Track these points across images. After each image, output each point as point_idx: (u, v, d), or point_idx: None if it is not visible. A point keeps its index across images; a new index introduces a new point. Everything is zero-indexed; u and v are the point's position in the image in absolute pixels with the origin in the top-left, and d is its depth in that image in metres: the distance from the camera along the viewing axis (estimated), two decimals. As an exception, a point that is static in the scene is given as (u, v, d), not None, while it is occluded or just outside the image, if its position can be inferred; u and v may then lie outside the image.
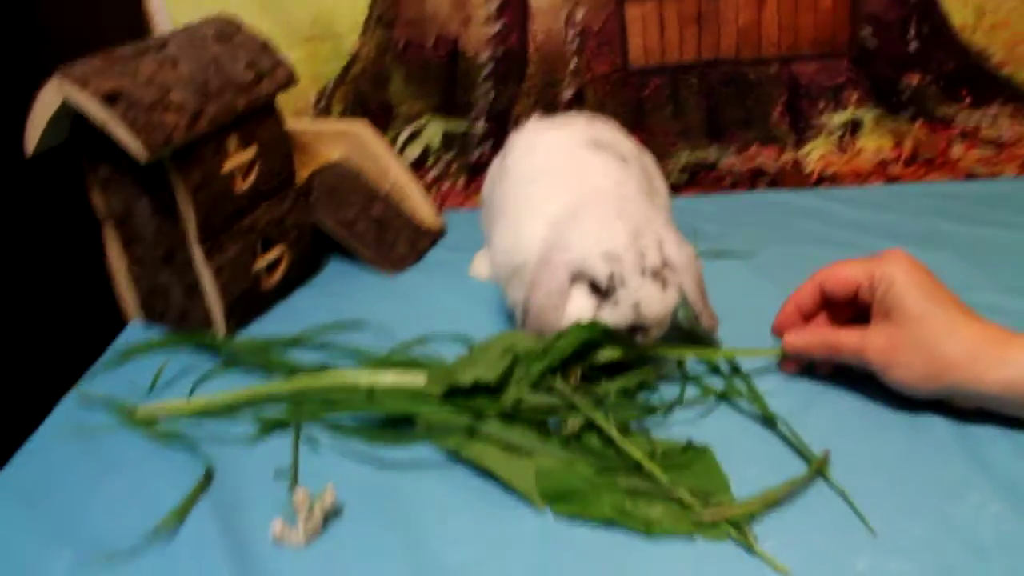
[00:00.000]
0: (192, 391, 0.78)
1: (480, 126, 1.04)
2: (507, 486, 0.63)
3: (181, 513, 0.64)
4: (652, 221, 0.72)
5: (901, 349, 0.65)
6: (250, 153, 0.85)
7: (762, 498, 0.59)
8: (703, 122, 1.00)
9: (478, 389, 0.68)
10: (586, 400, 0.66)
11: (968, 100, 0.97)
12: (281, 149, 0.89)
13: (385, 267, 0.95)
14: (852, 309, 0.71)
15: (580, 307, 0.71)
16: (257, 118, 0.86)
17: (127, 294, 0.90)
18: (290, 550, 0.61)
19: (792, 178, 1.03)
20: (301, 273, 0.95)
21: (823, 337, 0.70)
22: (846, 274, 0.69)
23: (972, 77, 0.95)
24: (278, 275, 0.91)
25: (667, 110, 1.00)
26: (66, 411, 0.79)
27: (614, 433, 0.64)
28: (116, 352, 0.85)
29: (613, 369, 0.70)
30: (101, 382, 0.82)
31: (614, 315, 0.70)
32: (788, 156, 1.02)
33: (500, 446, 0.65)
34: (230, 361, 0.81)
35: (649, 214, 0.72)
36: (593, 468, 0.62)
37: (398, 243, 0.96)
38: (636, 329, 0.70)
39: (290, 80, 0.88)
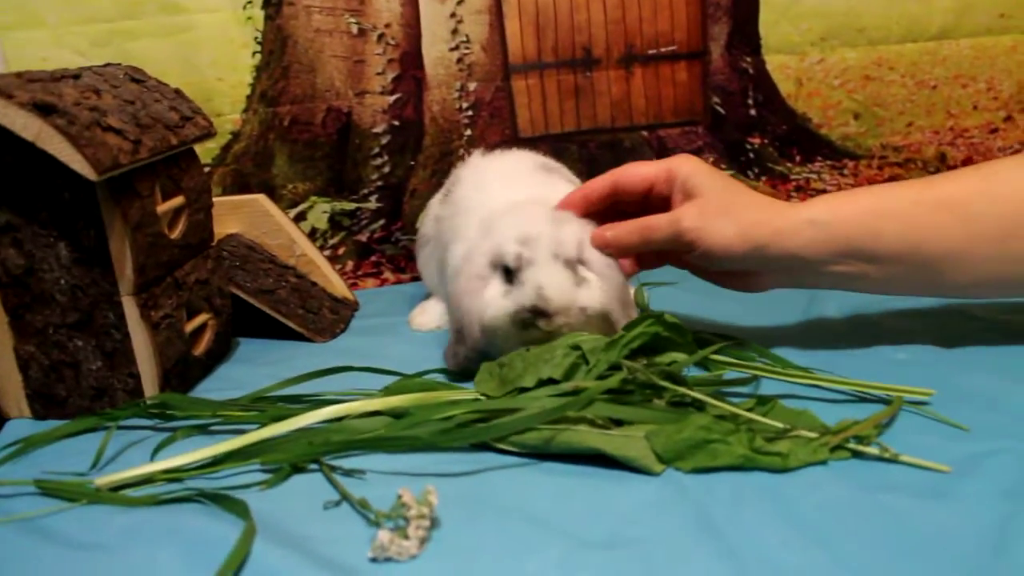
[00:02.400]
0: (154, 455, 0.63)
1: (372, 203, 1.01)
2: (613, 460, 0.58)
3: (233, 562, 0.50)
4: (584, 227, 0.73)
5: (712, 214, 0.70)
6: (178, 201, 0.75)
7: (872, 418, 0.60)
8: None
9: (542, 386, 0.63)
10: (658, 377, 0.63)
11: (799, 158, 1.12)
12: (206, 201, 0.80)
13: (316, 335, 0.85)
14: (640, 211, 0.74)
15: (493, 291, 0.71)
16: (183, 164, 0.77)
17: (9, 383, 0.72)
18: (400, 561, 0.50)
19: (669, 235, 1.11)
20: (222, 347, 0.82)
21: (636, 224, 0.73)
22: (643, 172, 0.74)
23: (800, 138, 1.12)
24: (203, 345, 0.78)
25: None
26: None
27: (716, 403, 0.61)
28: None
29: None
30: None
31: (518, 296, 0.69)
32: (663, 215, 1.10)
33: (591, 426, 0.60)
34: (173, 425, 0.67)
35: (583, 223, 0.74)
36: (702, 421, 0.59)
37: (322, 311, 0.88)
38: (538, 313, 0.68)
39: (209, 130, 0.80)
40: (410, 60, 0.99)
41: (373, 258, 1.04)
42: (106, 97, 0.71)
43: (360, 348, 0.84)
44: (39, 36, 0.90)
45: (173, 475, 0.60)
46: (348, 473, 0.60)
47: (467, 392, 0.67)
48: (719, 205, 0.70)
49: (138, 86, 0.77)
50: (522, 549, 0.50)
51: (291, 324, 0.85)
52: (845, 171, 1.13)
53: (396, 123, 1.00)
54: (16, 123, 0.63)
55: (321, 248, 1.00)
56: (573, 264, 0.70)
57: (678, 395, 0.63)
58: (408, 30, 0.98)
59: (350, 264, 1.04)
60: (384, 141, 1.00)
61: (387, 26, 0.97)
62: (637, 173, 0.74)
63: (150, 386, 0.71)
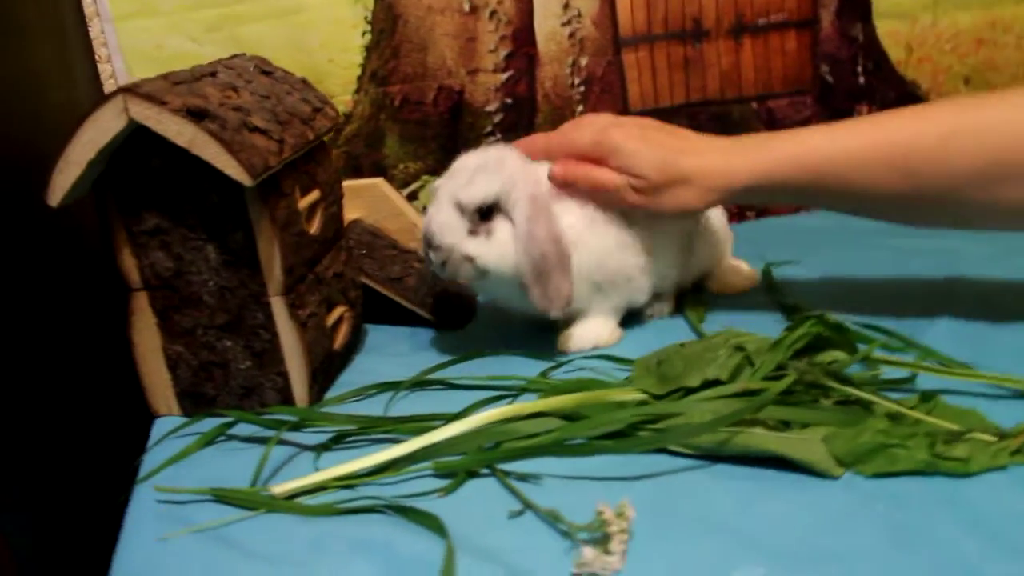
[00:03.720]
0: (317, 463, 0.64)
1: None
2: (787, 462, 0.57)
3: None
4: (525, 183, 0.73)
5: (659, 189, 0.72)
6: (315, 195, 0.75)
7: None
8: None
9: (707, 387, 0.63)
10: (819, 372, 0.62)
11: (907, 125, 1.10)
12: (338, 193, 0.79)
13: (446, 324, 0.85)
14: None
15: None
16: (317, 158, 0.76)
17: (159, 381, 0.72)
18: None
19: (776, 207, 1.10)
20: (356, 337, 0.82)
21: (587, 177, 0.74)
22: (574, 145, 0.75)
23: (908, 104, 1.08)
24: (341, 338, 0.78)
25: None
26: (148, 515, 0.60)
27: (886, 403, 0.60)
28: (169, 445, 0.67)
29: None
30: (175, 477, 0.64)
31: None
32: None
33: (765, 428, 0.59)
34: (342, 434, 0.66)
35: (528, 181, 0.73)
36: (881, 425, 0.58)
37: (449, 298, 0.87)
38: (427, 243, 0.73)
39: (338, 120, 0.79)
40: (522, 37, 0.96)
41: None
42: (244, 94, 0.70)
43: (485, 334, 0.84)
44: (153, 24, 0.89)
45: (346, 482, 0.61)
46: (522, 478, 0.60)
47: (628, 390, 0.66)
48: (663, 178, 0.72)
49: (268, 79, 0.75)
50: (724, 563, 0.50)
51: (422, 312, 0.84)
52: (954, 137, 1.11)
53: (509, 101, 0.98)
54: (170, 129, 0.62)
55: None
56: (469, 212, 0.72)
57: (845, 395, 0.62)
58: (520, 6, 0.95)
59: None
60: (497, 119, 0.98)
61: (499, 2, 0.95)
62: (568, 146, 0.76)
63: (299, 384, 0.71)
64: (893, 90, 1.08)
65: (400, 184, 0.98)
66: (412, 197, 0.99)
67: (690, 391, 0.63)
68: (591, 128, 0.76)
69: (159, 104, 0.62)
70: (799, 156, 0.70)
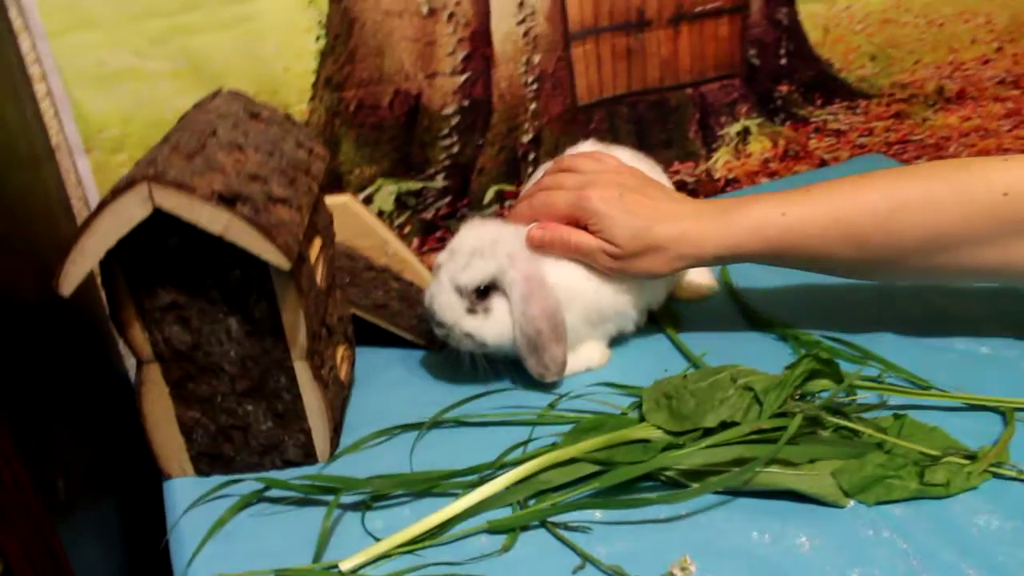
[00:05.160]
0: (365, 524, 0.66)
1: (439, 181, 0.99)
2: (804, 497, 0.66)
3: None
4: (512, 260, 0.77)
5: (631, 255, 0.77)
6: (318, 244, 0.73)
7: (1003, 440, 0.69)
8: (634, 146, 1.07)
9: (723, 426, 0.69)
10: (818, 409, 0.70)
11: (819, 101, 1.17)
12: (332, 235, 0.78)
13: (431, 343, 0.87)
14: None
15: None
16: (315, 205, 0.74)
17: (172, 447, 0.71)
18: (676, 634, 0.57)
19: (706, 186, 1.16)
20: (353, 371, 0.83)
21: (564, 241, 0.79)
22: (555, 211, 0.79)
23: (822, 82, 1.16)
24: (344, 378, 0.79)
25: (607, 139, 1.05)
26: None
27: (872, 432, 0.69)
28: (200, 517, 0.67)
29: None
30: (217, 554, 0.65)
31: None
32: (702, 167, 1.14)
33: (778, 465, 0.67)
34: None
35: (515, 258, 0.78)
36: (879, 459, 0.67)
37: (429, 316, 0.88)
38: (432, 321, 0.79)
39: (327, 157, 0.77)
40: (480, 38, 0.95)
41: (438, 234, 1.03)
42: (250, 153, 0.67)
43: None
44: (93, 38, 0.81)
45: (406, 548, 0.64)
46: (570, 528, 0.65)
47: (645, 427, 0.72)
48: (637, 246, 0.77)
49: (259, 123, 0.72)
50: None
51: (408, 337, 0.86)
52: (858, 110, 1.20)
53: (466, 103, 0.97)
54: (202, 218, 0.59)
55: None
56: (467, 293, 0.77)
57: (838, 426, 0.71)
58: (477, 7, 0.93)
59: (415, 242, 1.03)
60: (454, 122, 0.97)
61: (457, 3, 0.92)
62: (549, 210, 0.79)
63: (320, 439, 0.72)
64: (811, 70, 1.15)
65: (355, 188, 0.97)
66: (367, 200, 0.98)
67: (708, 430, 0.70)
68: (565, 194, 0.79)
69: (189, 191, 0.59)
70: (760, 230, 0.76)
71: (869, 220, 0.75)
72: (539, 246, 0.79)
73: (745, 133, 1.15)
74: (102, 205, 0.59)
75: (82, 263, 0.60)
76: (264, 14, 0.86)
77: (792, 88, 1.15)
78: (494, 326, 0.77)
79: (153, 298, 0.65)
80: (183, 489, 0.72)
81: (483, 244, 0.78)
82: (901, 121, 1.23)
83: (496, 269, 0.77)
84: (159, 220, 0.60)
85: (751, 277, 0.96)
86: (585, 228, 0.78)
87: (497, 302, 0.77)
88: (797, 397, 0.72)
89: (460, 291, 0.77)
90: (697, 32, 1.06)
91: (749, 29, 1.09)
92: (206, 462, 0.72)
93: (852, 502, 0.66)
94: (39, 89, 0.81)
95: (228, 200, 0.60)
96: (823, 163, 1.23)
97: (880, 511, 0.65)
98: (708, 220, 0.77)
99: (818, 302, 0.91)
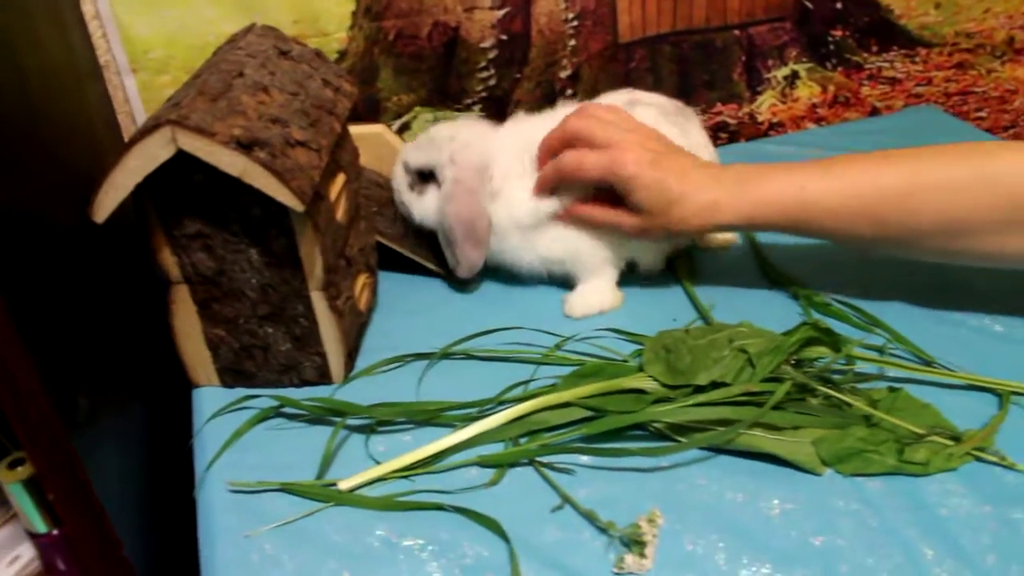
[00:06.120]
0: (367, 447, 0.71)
1: (475, 112, 1.01)
2: (783, 461, 0.68)
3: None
4: (457, 148, 0.83)
5: (652, 230, 0.80)
6: (341, 180, 0.77)
7: (991, 426, 0.70)
8: (676, 86, 1.07)
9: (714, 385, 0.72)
10: (810, 377, 0.72)
11: (875, 48, 1.14)
12: (358, 169, 0.81)
13: (452, 275, 0.90)
14: None
15: None
16: (339, 141, 0.77)
17: (200, 359, 0.77)
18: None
19: (748, 129, 1.15)
20: (374, 298, 0.87)
21: (584, 212, 0.83)
22: (587, 177, 0.80)
23: (880, 28, 1.13)
24: (363, 305, 0.83)
25: (648, 79, 1.05)
26: (221, 508, 0.67)
27: (861, 405, 0.71)
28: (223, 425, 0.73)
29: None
30: (232, 462, 0.71)
31: None
32: (745, 110, 1.13)
33: (761, 428, 0.70)
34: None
35: (463, 147, 0.84)
36: (861, 432, 0.69)
37: (452, 248, 0.91)
38: None
39: (354, 93, 0.79)
40: (520, -27, 0.95)
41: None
42: (275, 94, 0.70)
43: (494, 288, 0.91)
44: (140, -34, 0.83)
45: (402, 474, 0.69)
46: (555, 468, 0.69)
47: (641, 377, 0.74)
48: (660, 212, 0.78)
49: (288, 62, 0.75)
50: (733, 561, 0.61)
51: (430, 266, 0.89)
52: (917, 59, 1.16)
53: (504, 37, 0.98)
54: (221, 160, 0.63)
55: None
56: (410, 171, 0.87)
57: (828, 395, 0.72)
58: (518, -59, 0.93)
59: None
60: (491, 55, 0.98)
61: (499, -62, 0.92)
62: (581, 172, 0.80)
63: (335, 363, 0.77)
64: (868, 15, 1.11)
65: (392, 116, 0.99)
66: (404, 128, 1.00)
67: (698, 388, 0.72)
68: (596, 155, 0.79)
69: (209, 136, 0.62)
70: (778, 202, 0.77)
71: (887, 199, 0.75)
72: (569, 216, 0.84)
73: (793, 77, 1.13)
74: (131, 143, 0.63)
75: (114, 195, 0.65)
76: (307, -57, 0.88)
77: (847, 33, 1.12)
78: (421, 207, 0.87)
79: (180, 227, 0.70)
80: (209, 398, 0.77)
81: (441, 137, 0.85)
82: (964, 72, 1.19)
83: (435, 161, 0.85)
84: (184, 158, 0.64)
85: (778, 240, 0.96)
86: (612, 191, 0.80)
87: (431, 189, 0.86)
88: (793, 363, 0.74)
89: (406, 167, 0.87)
90: (749, -29, 1.04)
91: (804, -30, 1.06)
92: (230, 375, 0.78)
93: (829, 471, 0.68)
94: (88, 10, 0.84)
95: (246, 145, 0.63)
96: (874, 111, 1.20)
97: (855, 483, 0.67)
98: (727, 189, 0.78)
99: (838, 262, 0.91)
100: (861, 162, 0.77)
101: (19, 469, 0.64)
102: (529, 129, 0.85)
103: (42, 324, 0.65)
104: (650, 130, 0.81)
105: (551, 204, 0.84)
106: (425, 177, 0.86)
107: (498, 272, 0.91)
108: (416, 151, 0.86)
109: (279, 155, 0.64)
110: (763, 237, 0.95)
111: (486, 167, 0.84)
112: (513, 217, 0.84)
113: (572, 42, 1.00)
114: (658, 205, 0.78)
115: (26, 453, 0.60)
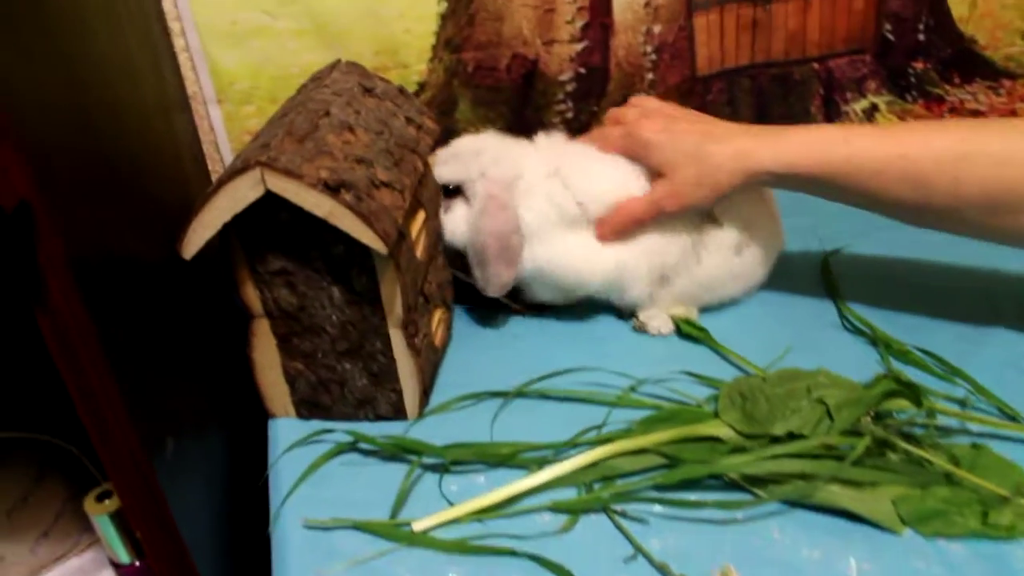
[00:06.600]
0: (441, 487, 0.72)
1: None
2: (861, 518, 0.67)
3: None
4: (493, 168, 0.82)
5: (684, 189, 0.79)
6: (421, 217, 0.77)
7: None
8: (753, 120, 1.06)
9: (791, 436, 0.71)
10: (890, 432, 0.71)
11: (957, 79, 1.12)
12: (437, 205, 0.81)
13: (523, 310, 0.90)
14: None
15: None
16: (421, 178, 0.78)
17: (278, 391, 0.78)
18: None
19: (824, 163, 1.13)
20: (449, 333, 0.88)
21: (624, 217, 0.82)
22: (610, 143, 0.82)
23: (963, 59, 1.10)
24: (439, 340, 0.84)
25: (725, 112, 1.04)
26: (296, 543, 0.68)
27: (942, 463, 0.69)
28: (296, 458, 0.74)
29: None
30: (307, 496, 0.72)
31: None
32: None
33: (839, 484, 0.69)
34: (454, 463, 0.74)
35: (497, 165, 0.83)
36: (943, 492, 0.68)
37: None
38: None
39: (436, 130, 0.80)
40: (599, 7, 0.95)
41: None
42: (360, 133, 0.71)
43: (567, 326, 0.91)
44: (227, -1, 0.85)
45: (475, 516, 0.69)
46: (629, 517, 0.69)
47: (717, 424, 0.74)
48: (691, 164, 0.78)
49: (373, 99, 0.76)
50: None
51: (506, 301, 0.89)
52: (1001, 91, 1.13)
53: (582, 70, 0.98)
54: (308, 202, 0.64)
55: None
56: (447, 190, 0.85)
57: (908, 452, 0.71)
58: (600, -24, 0.93)
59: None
60: (569, 88, 0.98)
61: (579, -27, 0.92)
62: (604, 144, 0.82)
63: (411, 400, 0.77)
64: (951, 46, 1.09)
65: (469, 146, 1.00)
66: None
67: (775, 438, 0.72)
68: (621, 127, 0.82)
69: (297, 178, 0.63)
70: (819, 152, 0.75)
71: (934, 163, 0.72)
72: (616, 234, 0.83)
73: (872, 110, 1.11)
74: (220, 183, 0.65)
75: (202, 232, 0.66)
76: (390, -22, 0.89)
77: (928, 65, 1.09)
78: (449, 222, 0.85)
79: (264, 263, 0.71)
80: (285, 430, 0.79)
81: (468, 151, 0.84)
82: (1049, 104, 1.16)
83: (464, 176, 0.83)
84: (271, 197, 0.65)
85: (854, 268, 0.95)
86: (636, 159, 0.81)
87: (458, 204, 0.84)
88: (872, 415, 0.73)
89: (443, 188, 0.84)
90: (829, 5, 1.02)
91: (886, 3, 1.04)
92: (306, 408, 0.79)
93: (909, 531, 0.67)
94: (178, 44, 0.86)
95: (333, 187, 0.64)
96: (954, 144, 1.17)
97: (936, 545, 0.65)
98: (763, 136, 0.77)
99: (919, 301, 0.90)
100: (911, 125, 0.76)
101: (107, 502, 0.65)
102: (560, 146, 0.86)
103: (131, 358, 0.66)
104: (676, 105, 0.83)
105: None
106: (450, 192, 0.85)
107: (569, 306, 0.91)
108: (442, 166, 0.85)
109: (364, 197, 0.65)
110: (843, 271, 0.94)
111: (517, 181, 0.83)
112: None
113: (650, 75, 1.00)
114: (679, 159, 0.78)
115: (113, 487, 0.62)
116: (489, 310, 0.92)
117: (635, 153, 0.81)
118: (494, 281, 0.83)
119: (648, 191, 0.81)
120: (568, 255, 0.84)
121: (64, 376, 0.57)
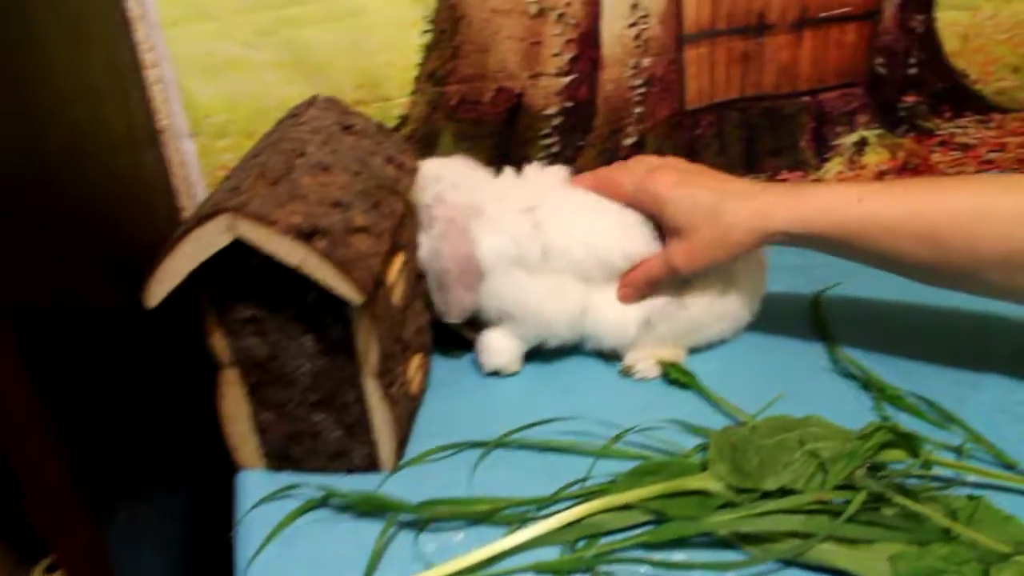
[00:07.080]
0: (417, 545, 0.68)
1: (534, 179, 0.98)
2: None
3: None
4: (448, 190, 0.80)
5: (699, 249, 0.77)
6: (400, 260, 0.74)
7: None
8: (742, 153, 1.04)
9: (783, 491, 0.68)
10: (885, 485, 0.68)
11: (948, 114, 1.10)
12: (415, 245, 0.78)
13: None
14: None
15: None
16: (401, 219, 0.75)
17: (245, 443, 0.74)
18: None
19: (814, 197, 1.11)
20: (427, 378, 0.85)
21: (638, 276, 0.81)
22: (619, 192, 0.80)
23: (954, 94, 1.09)
24: (416, 386, 0.80)
25: (714, 146, 1.02)
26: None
27: (939, 517, 0.66)
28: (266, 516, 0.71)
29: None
30: (275, 556, 0.68)
31: None
32: (811, 177, 1.09)
33: (833, 541, 0.66)
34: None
35: (456, 188, 0.81)
36: (942, 550, 0.65)
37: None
38: None
39: (416, 168, 0.77)
40: (588, 40, 0.92)
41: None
42: (337, 173, 0.68)
43: (549, 369, 0.87)
44: (204, 29, 0.82)
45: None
46: (615, 580, 0.66)
47: (705, 477, 0.71)
48: (702, 222, 0.76)
49: (352, 137, 0.73)
50: None
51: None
52: (991, 124, 1.11)
53: (569, 104, 0.95)
54: (280, 250, 0.61)
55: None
56: (423, 210, 0.81)
57: (904, 506, 0.68)
58: (588, 8, 0.90)
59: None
60: (555, 122, 0.96)
61: (567, 4, 0.89)
62: (612, 190, 0.81)
63: (386, 451, 0.74)
64: (943, 80, 1.07)
65: (452, 181, 0.97)
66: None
67: (767, 492, 0.69)
68: (632, 175, 0.80)
69: (268, 224, 0.60)
70: (832, 212, 0.73)
71: (949, 223, 0.70)
72: (636, 294, 0.82)
73: (862, 144, 1.09)
74: (187, 229, 0.61)
75: (167, 281, 0.63)
76: (371, 9, 0.86)
77: (920, 99, 1.08)
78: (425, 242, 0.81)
79: (233, 311, 0.67)
80: (254, 484, 0.75)
81: (429, 176, 0.82)
82: (1041, 138, 1.14)
83: (420, 200, 0.81)
84: (242, 243, 0.62)
85: (844, 308, 0.92)
86: (648, 213, 0.80)
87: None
88: (867, 467, 0.70)
89: (423, 209, 0.81)
90: (821, 38, 1.00)
91: (878, 37, 1.02)
92: (276, 460, 0.75)
93: (905, 589, 0.64)
94: (151, 75, 0.83)
95: (306, 234, 0.61)
96: (945, 178, 1.16)
97: (932, 603, 0.63)
98: (778, 195, 0.75)
99: (911, 342, 0.88)
100: (924, 183, 0.74)
101: (57, 574, 0.62)
102: (551, 183, 0.84)
103: (78, 416, 0.62)
104: (697, 166, 0.81)
105: None
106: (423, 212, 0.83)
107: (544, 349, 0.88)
108: (422, 193, 0.82)
109: (340, 244, 0.62)
110: (834, 315, 0.91)
111: (477, 210, 0.81)
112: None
113: (638, 109, 0.98)
114: (694, 218, 0.76)
115: (56, 558, 0.58)
116: (469, 351, 0.88)
117: (647, 206, 0.79)
118: (455, 307, 0.81)
119: (660, 250, 0.80)
120: (525, 296, 0.82)
121: (-2, 437, 0.53)
